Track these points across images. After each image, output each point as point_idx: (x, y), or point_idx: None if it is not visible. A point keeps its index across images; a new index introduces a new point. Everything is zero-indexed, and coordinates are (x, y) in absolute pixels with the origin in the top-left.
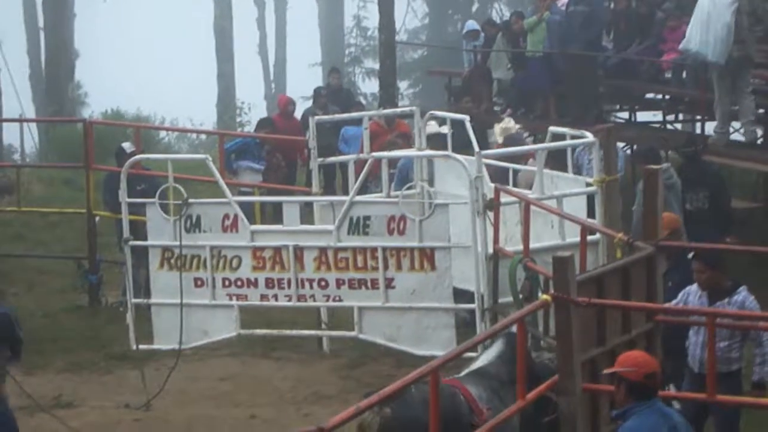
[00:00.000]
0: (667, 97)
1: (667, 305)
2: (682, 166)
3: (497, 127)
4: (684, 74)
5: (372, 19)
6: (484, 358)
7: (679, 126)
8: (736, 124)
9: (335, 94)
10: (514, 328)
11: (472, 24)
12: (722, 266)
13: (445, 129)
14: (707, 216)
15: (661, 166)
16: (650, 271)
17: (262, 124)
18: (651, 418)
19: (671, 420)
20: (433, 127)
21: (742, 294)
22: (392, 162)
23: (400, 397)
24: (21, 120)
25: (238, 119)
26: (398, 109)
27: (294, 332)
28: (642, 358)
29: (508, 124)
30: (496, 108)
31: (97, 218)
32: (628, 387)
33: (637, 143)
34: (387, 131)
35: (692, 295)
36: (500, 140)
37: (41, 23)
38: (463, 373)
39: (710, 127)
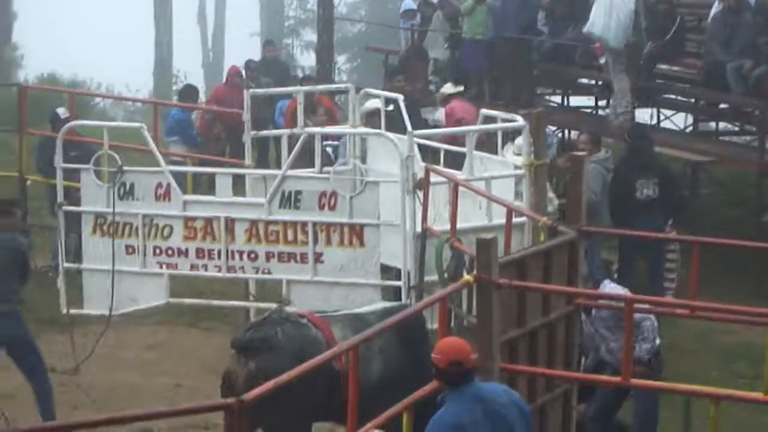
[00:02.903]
0: (599, 82)
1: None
2: (629, 155)
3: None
4: None
5: None
6: (370, 306)
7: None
8: (667, 111)
9: (270, 66)
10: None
11: (409, 3)
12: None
13: (381, 105)
14: (657, 204)
15: (599, 154)
16: (572, 256)
17: (186, 92)
18: (457, 406)
19: (489, 404)
20: (373, 103)
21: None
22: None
23: (269, 350)
24: None
25: (174, 87)
26: (333, 86)
27: (222, 303)
28: (450, 344)
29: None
30: (431, 87)
31: (29, 182)
32: (438, 373)
33: (571, 127)
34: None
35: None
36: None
37: None
38: (339, 313)
39: (640, 113)
